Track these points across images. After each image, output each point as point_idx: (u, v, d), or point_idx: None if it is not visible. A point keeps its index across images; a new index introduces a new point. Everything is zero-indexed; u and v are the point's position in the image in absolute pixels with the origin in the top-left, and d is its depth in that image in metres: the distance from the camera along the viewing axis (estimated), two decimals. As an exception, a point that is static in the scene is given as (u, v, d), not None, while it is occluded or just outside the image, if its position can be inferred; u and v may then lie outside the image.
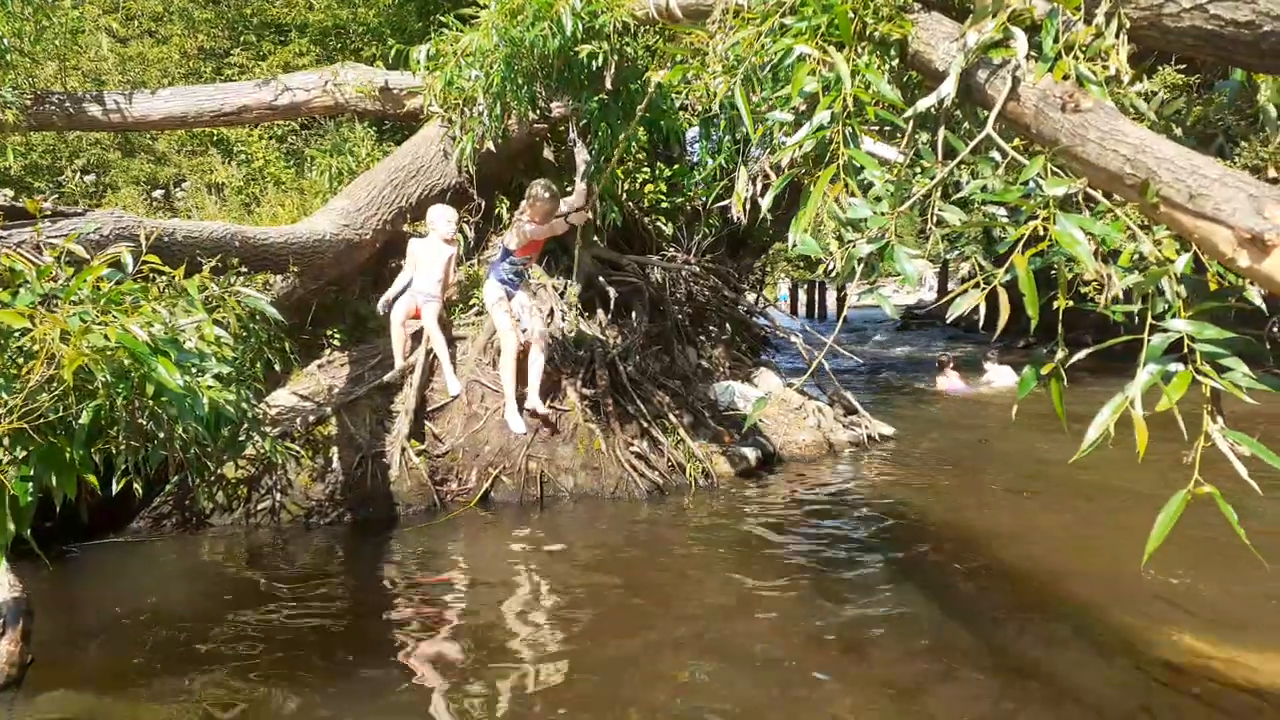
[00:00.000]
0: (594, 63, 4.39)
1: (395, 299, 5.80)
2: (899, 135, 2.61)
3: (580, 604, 3.73)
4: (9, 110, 5.97)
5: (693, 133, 6.81)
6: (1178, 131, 2.80)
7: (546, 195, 5.25)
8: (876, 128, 2.67)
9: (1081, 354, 2.06)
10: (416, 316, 5.83)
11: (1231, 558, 3.81)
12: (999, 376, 10.75)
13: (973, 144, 2.34)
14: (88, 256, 2.84)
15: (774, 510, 5.24)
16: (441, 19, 5.28)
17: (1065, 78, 2.24)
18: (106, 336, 2.26)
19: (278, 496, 4.98)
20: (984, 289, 2.10)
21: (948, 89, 2.44)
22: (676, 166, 7.53)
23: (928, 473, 6.27)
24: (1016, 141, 2.42)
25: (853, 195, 2.39)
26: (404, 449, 5.28)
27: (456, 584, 4.00)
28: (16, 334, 2.25)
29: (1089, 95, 2.17)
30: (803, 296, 34.61)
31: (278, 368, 4.71)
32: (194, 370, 2.60)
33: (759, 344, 8.97)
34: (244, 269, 4.32)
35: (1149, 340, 1.95)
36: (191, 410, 2.48)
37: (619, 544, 4.56)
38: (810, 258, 2.53)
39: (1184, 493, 1.88)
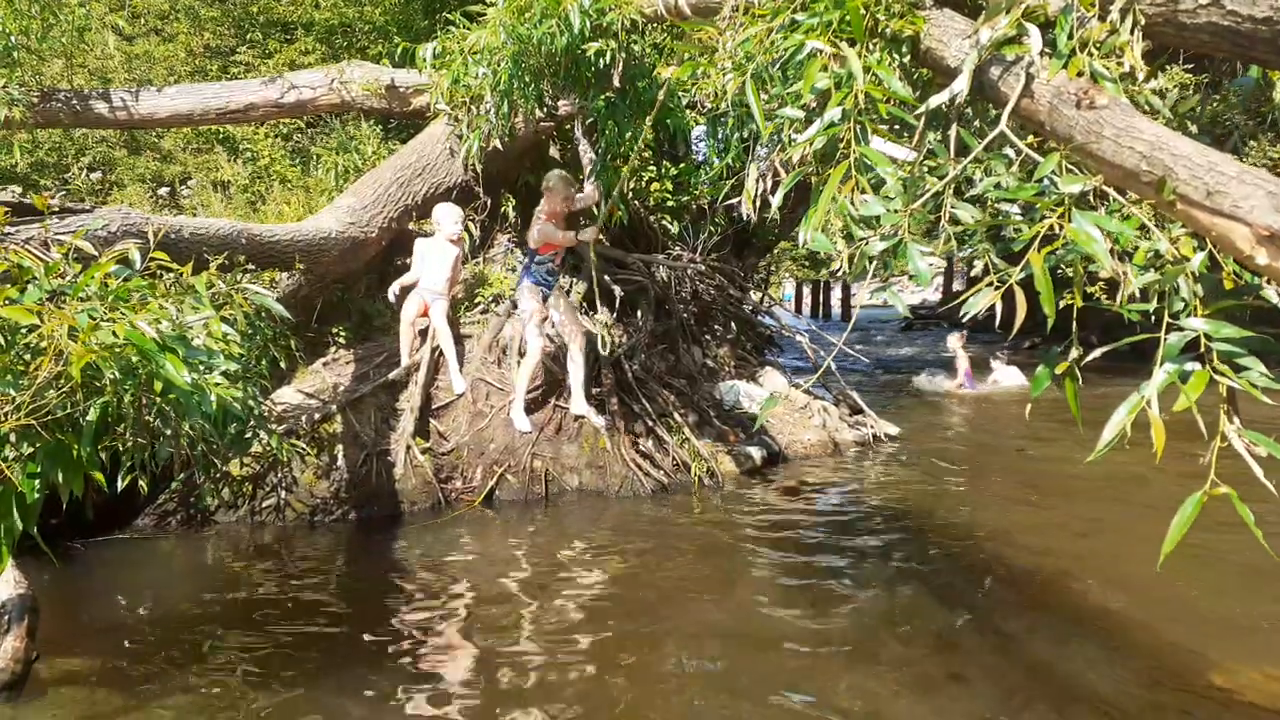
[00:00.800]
0: (602, 60, 4.37)
1: (406, 289, 5.80)
2: (906, 135, 2.59)
3: (584, 603, 3.71)
4: (16, 107, 5.97)
5: (697, 131, 6.79)
6: (1193, 129, 2.77)
7: (560, 184, 5.25)
8: (887, 125, 2.65)
9: (1097, 353, 2.04)
10: (426, 314, 5.83)
11: (1245, 561, 3.80)
12: (1005, 377, 10.71)
13: (986, 140, 2.32)
14: (95, 253, 2.83)
15: (779, 510, 5.22)
16: (448, 16, 5.27)
17: (1080, 74, 2.22)
18: (114, 333, 2.24)
19: (283, 494, 4.98)
20: (999, 288, 2.08)
21: (960, 86, 2.42)
22: (683, 165, 7.51)
23: (934, 472, 6.24)
24: (1030, 139, 2.40)
25: (864, 193, 2.37)
26: (409, 447, 5.27)
27: (460, 582, 3.99)
28: (24, 330, 2.24)
29: (1104, 92, 2.15)
30: (808, 296, 34.57)
31: (283, 365, 4.71)
32: (202, 367, 2.59)
33: (764, 343, 8.94)
34: (251, 266, 4.31)
35: (1165, 339, 1.93)
36: (199, 407, 2.47)
37: (623, 543, 4.54)
38: (816, 257, 2.51)
39: (1200, 494, 1.86)
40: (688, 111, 5.51)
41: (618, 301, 6.60)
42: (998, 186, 2.34)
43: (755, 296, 8.97)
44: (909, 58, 2.68)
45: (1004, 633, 3.30)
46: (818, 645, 3.19)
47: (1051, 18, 2.35)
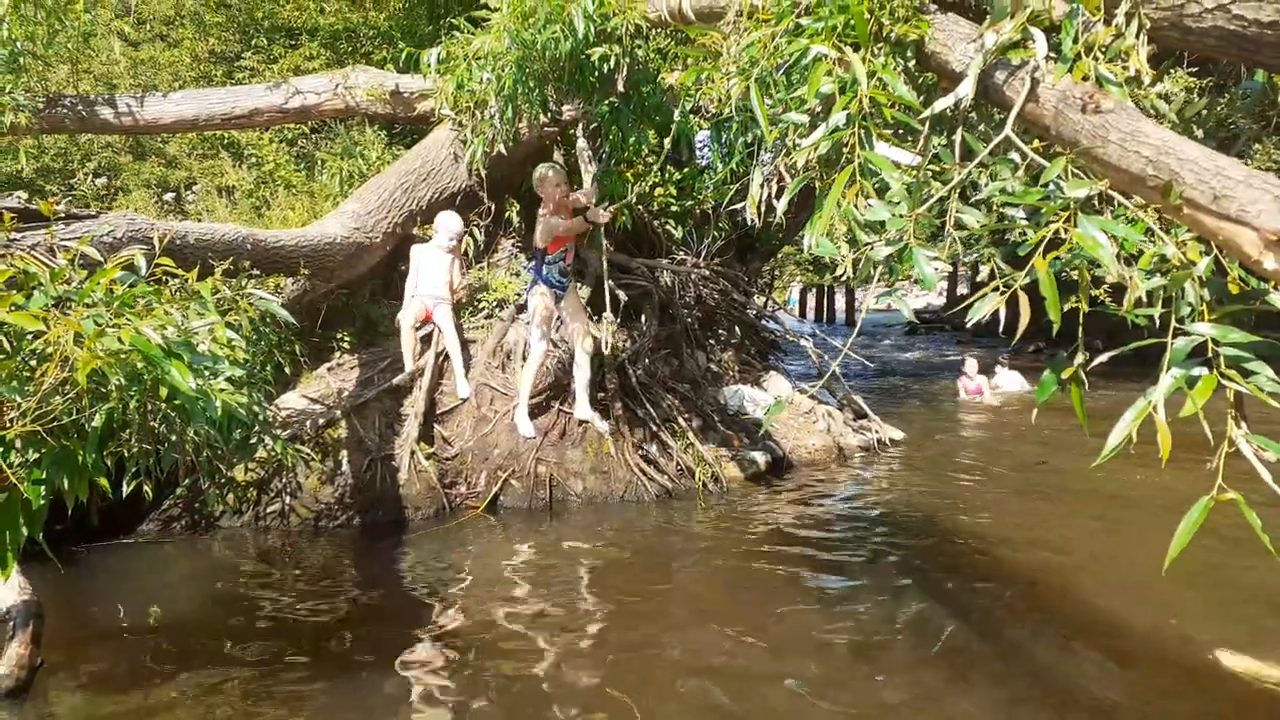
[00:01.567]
0: (606, 65, 4.39)
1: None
2: (911, 140, 2.59)
3: (588, 608, 3.71)
4: (22, 113, 5.99)
5: (702, 135, 6.79)
6: (1198, 133, 2.76)
7: (551, 174, 5.20)
8: (891, 130, 2.64)
9: (1102, 358, 2.03)
10: (427, 320, 5.83)
11: (1251, 567, 3.78)
12: (1008, 381, 10.69)
13: (991, 145, 2.32)
14: (101, 259, 2.84)
15: (783, 515, 5.21)
16: (453, 22, 5.29)
17: (1085, 79, 2.22)
18: (120, 339, 2.24)
19: (287, 499, 4.98)
20: (1004, 292, 2.07)
21: (965, 90, 2.41)
22: (686, 170, 7.51)
23: (938, 477, 6.22)
24: (1035, 143, 2.39)
25: (869, 198, 2.37)
26: (413, 452, 5.27)
27: (464, 589, 3.99)
28: (30, 336, 2.24)
29: (1109, 96, 2.15)
30: (812, 300, 34.53)
31: (288, 370, 4.72)
32: (207, 373, 2.58)
33: (768, 348, 8.93)
34: (256, 272, 4.31)
35: (1172, 344, 1.92)
36: (204, 413, 2.47)
37: (628, 548, 4.53)
38: (820, 261, 2.51)
39: (1207, 499, 1.85)
40: (692, 116, 5.51)
41: (622, 306, 6.60)
42: (1003, 191, 2.33)
43: (759, 301, 8.96)
44: (914, 62, 2.68)
45: (1007, 639, 3.29)
46: (822, 650, 3.18)
47: (1056, 22, 2.34)
